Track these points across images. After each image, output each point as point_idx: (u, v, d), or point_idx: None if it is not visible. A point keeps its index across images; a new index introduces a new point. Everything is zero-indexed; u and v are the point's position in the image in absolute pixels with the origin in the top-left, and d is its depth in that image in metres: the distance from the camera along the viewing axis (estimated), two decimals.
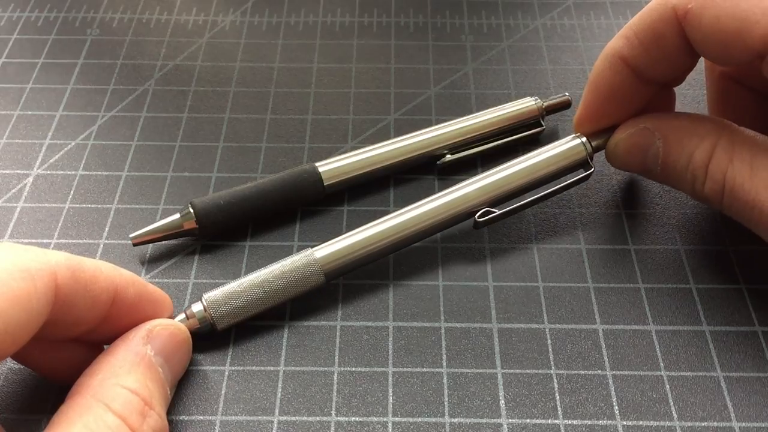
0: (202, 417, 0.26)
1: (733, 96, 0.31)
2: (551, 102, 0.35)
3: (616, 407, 0.26)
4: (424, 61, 0.39)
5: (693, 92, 0.37)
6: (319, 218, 0.32)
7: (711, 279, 0.30)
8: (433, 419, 0.26)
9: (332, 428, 0.26)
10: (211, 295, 0.27)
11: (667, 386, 0.27)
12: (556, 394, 0.26)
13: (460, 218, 0.30)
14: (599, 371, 0.27)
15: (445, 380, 0.27)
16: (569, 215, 0.32)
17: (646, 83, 0.29)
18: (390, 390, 0.27)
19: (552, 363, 0.27)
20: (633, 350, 0.28)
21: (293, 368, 0.27)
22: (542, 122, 0.35)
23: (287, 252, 0.31)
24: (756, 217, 0.26)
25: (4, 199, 0.33)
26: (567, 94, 0.36)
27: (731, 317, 0.29)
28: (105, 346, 0.25)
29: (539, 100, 0.35)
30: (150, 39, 0.41)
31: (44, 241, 0.31)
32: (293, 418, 0.26)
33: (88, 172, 0.34)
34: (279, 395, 0.26)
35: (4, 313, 0.20)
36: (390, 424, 0.26)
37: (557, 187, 0.31)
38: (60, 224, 0.32)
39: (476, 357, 0.27)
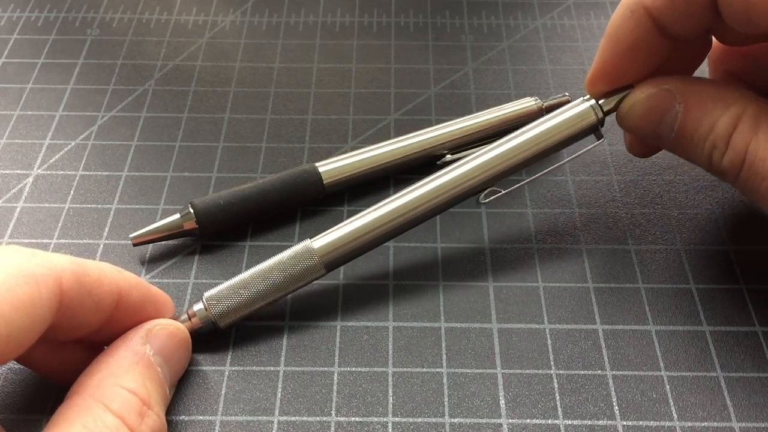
0: (202, 417, 0.26)
1: None
2: (551, 102, 0.35)
3: (616, 407, 0.26)
4: (424, 61, 0.39)
5: None
6: (319, 218, 0.32)
7: (711, 279, 0.30)
8: (433, 419, 0.26)
9: (332, 428, 0.26)
10: (211, 293, 0.27)
11: (667, 386, 0.27)
12: (556, 394, 0.26)
13: (462, 197, 0.29)
14: (599, 371, 0.27)
15: (445, 380, 0.27)
16: (569, 215, 0.32)
17: (666, 38, 0.27)
18: (390, 390, 0.27)
19: (552, 363, 0.27)
20: (633, 350, 0.28)
21: (293, 368, 0.27)
22: None
23: None
24: None
25: (4, 199, 0.33)
26: (567, 94, 0.36)
27: (731, 317, 0.29)
28: (105, 347, 0.25)
29: (539, 100, 0.35)
30: (150, 39, 0.41)
31: (44, 241, 0.31)
32: (293, 418, 0.26)
33: (88, 172, 0.34)
34: (279, 395, 0.26)
35: (8, 318, 0.20)
36: (390, 424, 0.26)
37: (565, 160, 0.30)
38: (60, 224, 0.32)
39: (476, 357, 0.27)
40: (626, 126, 0.29)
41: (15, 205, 0.32)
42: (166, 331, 0.25)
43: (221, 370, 0.27)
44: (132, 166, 0.34)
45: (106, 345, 0.25)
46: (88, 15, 0.42)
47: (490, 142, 0.32)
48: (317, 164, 0.32)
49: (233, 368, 0.27)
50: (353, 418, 0.26)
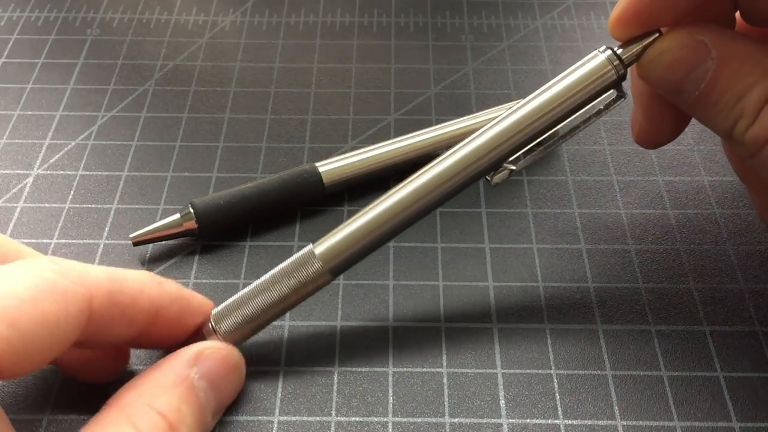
0: None
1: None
2: None
3: (616, 407, 0.26)
4: (424, 61, 0.39)
5: None
6: (319, 218, 0.32)
7: (711, 279, 0.30)
8: (433, 419, 0.26)
9: (332, 428, 0.26)
10: (217, 311, 0.26)
11: (667, 386, 0.27)
12: (556, 394, 0.26)
13: (471, 180, 0.26)
14: (599, 371, 0.27)
15: (445, 380, 0.27)
16: (569, 215, 0.32)
17: None
18: (390, 390, 0.27)
19: (552, 363, 0.27)
20: (633, 350, 0.28)
21: (293, 368, 0.27)
22: None
23: (287, 252, 0.31)
24: None
25: (4, 199, 0.33)
26: None
27: (731, 317, 0.29)
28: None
29: None
30: (150, 39, 0.41)
31: (44, 241, 0.31)
32: (293, 418, 0.26)
33: (88, 172, 0.34)
34: (279, 395, 0.26)
35: (27, 333, 0.19)
36: (390, 424, 0.26)
37: (579, 122, 0.26)
38: (60, 224, 0.32)
39: (476, 357, 0.27)
40: (648, 76, 0.25)
41: (15, 205, 0.32)
42: (217, 355, 0.24)
43: None
44: (132, 166, 0.34)
45: (144, 348, 0.25)
46: (88, 15, 0.42)
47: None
48: (317, 164, 0.32)
49: None
50: (353, 418, 0.26)
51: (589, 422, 0.26)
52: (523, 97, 0.35)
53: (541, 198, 0.33)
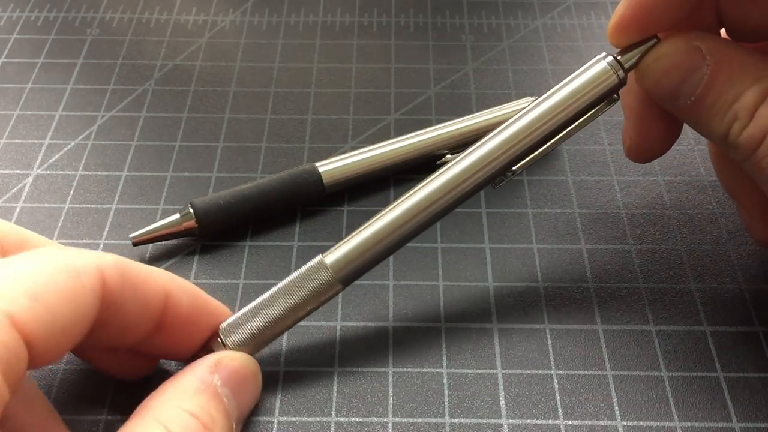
0: None
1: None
2: None
3: (617, 407, 0.26)
4: (424, 61, 0.39)
5: None
6: (319, 218, 0.32)
7: (711, 279, 0.30)
8: (434, 419, 0.26)
9: (332, 428, 0.26)
10: (226, 325, 0.25)
11: (668, 386, 0.27)
12: (557, 395, 0.26)
13: (479, 187, 0.26)
14: (599, 371, 0.27)
15: (445, 380, 0.27)
16: (569, 215, 0.32)
17: None
18: (390, 390, 0.27)
19: (552, 363, 0.27)
20: (633, 350, 0.28)
21: (293, 368, 0.27)
22: None
23: (287, 252, 0.31)
24: None
25: (4, 199, 0.33)
26: None
27: (732, 317, 0.28)
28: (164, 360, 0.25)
29: None
30: (150, 39, 0.41)
31: None
32: (293, 418, 0.26)
33: (87, 172, 0.34)
34: (279, 395, 0.26)
35: (54, 308, 0.19)
36: (390, 425, 0.26)
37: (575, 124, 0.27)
38: (60, 224, 0.32)
39: (476, 357, 0.27)
40: (645, 82, 0.26)
41: (15, 205, 0.32)
42: (236, 362, 0.24)
43: None
44: (132, 166, 0.34)
45: (163, 357, 0.25)
46: (87, 15, 0.42)
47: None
48: (317, 164, 0.32)
49: None
50: (353, 418, 0.26)
51: (590, 422, 0.26)
52: (523, 97, 0.35)
53: (541, 198, 0.33)
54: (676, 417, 0.26)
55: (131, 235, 0.30)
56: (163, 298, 0.23)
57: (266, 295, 0.26)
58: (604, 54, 0.26)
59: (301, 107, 0.37)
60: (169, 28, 0.41)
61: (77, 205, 0.33)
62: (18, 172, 0.34)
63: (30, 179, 0.34)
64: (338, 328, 0.28)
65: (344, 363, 0.27)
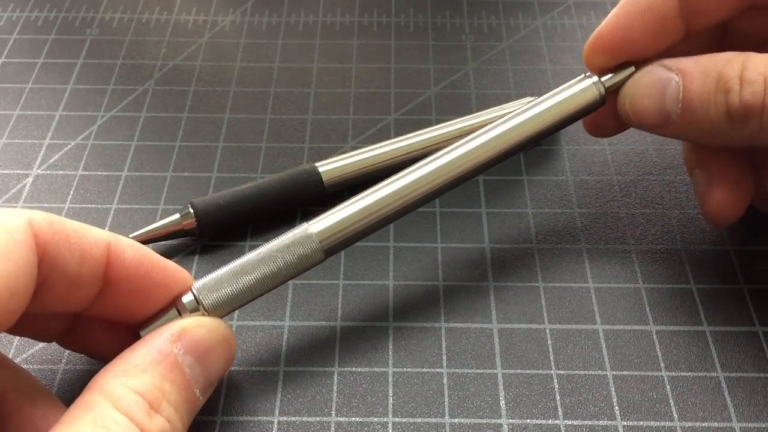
0: (202, 417, 0.26)
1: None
2: None
3: (617, 407, 0.26)
4: (424, 61, 0.39)
5: None
6: None
7: (711, 279, 0.30)
8: (434, 419, 0.26)
9: (332, 428, 0.26)
10: (202, 283, 0.25)
11: (668, 386, 0.27)
12: (557, 395, 0.26)
13: (462, 179, 0.28)
14: (599, 371, 0.27)
15: (445, 380, 0.27)
16: (569, 215, 0.32)
17: (682, 23, 0.27)
18: (390, 390, 0.27)
19: (552, 363, 0.27)
20: (633, 350, 0.28)
21: (293, 368, 0.27)
22: None
23: None
24: None
25: (4, 199, 0.33)
26: None
27: (731, 317, 0.29)
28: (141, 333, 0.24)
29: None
30: (150, 39, 0.41)
31: None
32: (293, 419, 0.26)
33: (87, 172, 0.34)
34: (279, 395, 0.26)
35: None
36: (390, 425, 0.26)
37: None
38: None
39: (476, 357, 0.27)
40: (632, 108, 0.28)
41: (15, 205, 0.32)
42: (202, 330, 0.24)
43: None
44: (132, 166, 0.34)
45: (125, 323, 0.24)
46: (87, 15, 0.42)
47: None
48: (317, 164, 0.32)
49: (233, 368, 0.27)
50: (353, 418, 0.26)
51: (590, 422, 0.26)
52: (523, 97, 0.35)
53: (541, 198, 0.33)
54: (676, 417, 0.26)
55: (131, 235, 0.30)
56: (104, 249, 0.23)
57: (246, 258, 0.25)
58: (589, 73, 0.28)
59: (301, 107, 0.37)
60: (169, 28, 0.41)
61: (77, 205, 0.33)
62: (18, 172, 0.34)
63: (30, 179, 0.34)
64: (338, 328, 0.28)
65: (344, 363, 0.27)
